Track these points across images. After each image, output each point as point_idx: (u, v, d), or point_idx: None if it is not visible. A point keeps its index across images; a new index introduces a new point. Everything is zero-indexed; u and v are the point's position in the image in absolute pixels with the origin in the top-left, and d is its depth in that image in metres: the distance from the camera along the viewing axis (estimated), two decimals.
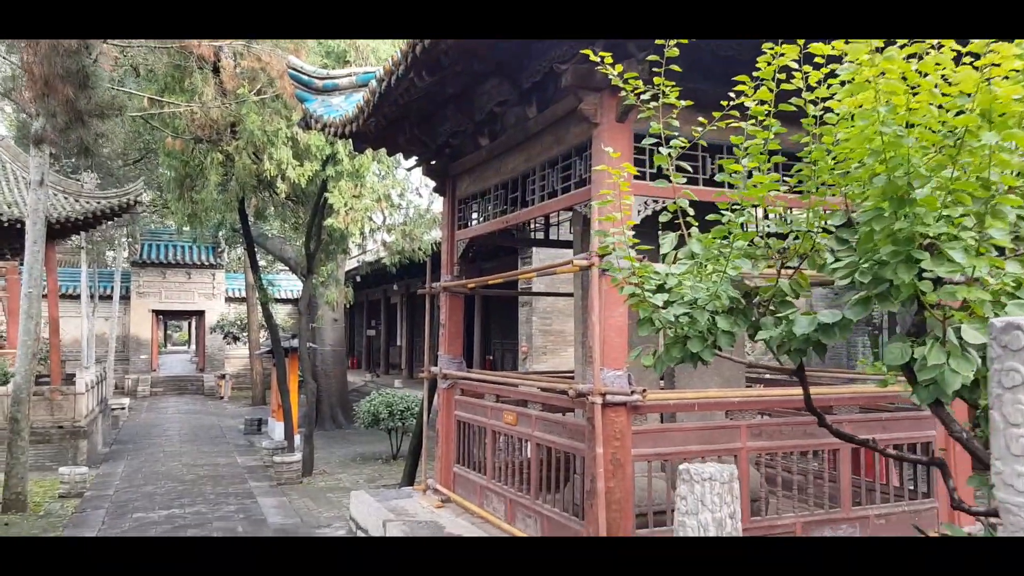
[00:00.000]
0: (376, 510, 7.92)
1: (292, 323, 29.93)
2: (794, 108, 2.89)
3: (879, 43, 2.42)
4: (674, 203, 3.23)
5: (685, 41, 3.14)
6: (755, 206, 3.05)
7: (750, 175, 3.04)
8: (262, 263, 25.79)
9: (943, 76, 2.43)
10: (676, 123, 3.28)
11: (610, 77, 3.39)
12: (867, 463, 6.77)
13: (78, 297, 28.00)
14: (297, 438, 15.08)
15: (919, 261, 2.28)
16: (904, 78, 2.40)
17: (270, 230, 21.07)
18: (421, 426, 10.50)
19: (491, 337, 21.60)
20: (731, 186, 3.22)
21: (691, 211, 3.25)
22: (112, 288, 29.34)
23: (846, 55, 2.53)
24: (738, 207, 3.02)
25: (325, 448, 16.53)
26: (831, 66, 2.71)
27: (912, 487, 6.53)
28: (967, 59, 2.42)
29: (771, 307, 2.99)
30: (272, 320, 16.43)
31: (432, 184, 8.91)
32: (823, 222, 2.86)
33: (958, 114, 2.39)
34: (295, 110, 11.58)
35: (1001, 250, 2.45)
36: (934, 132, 2.39)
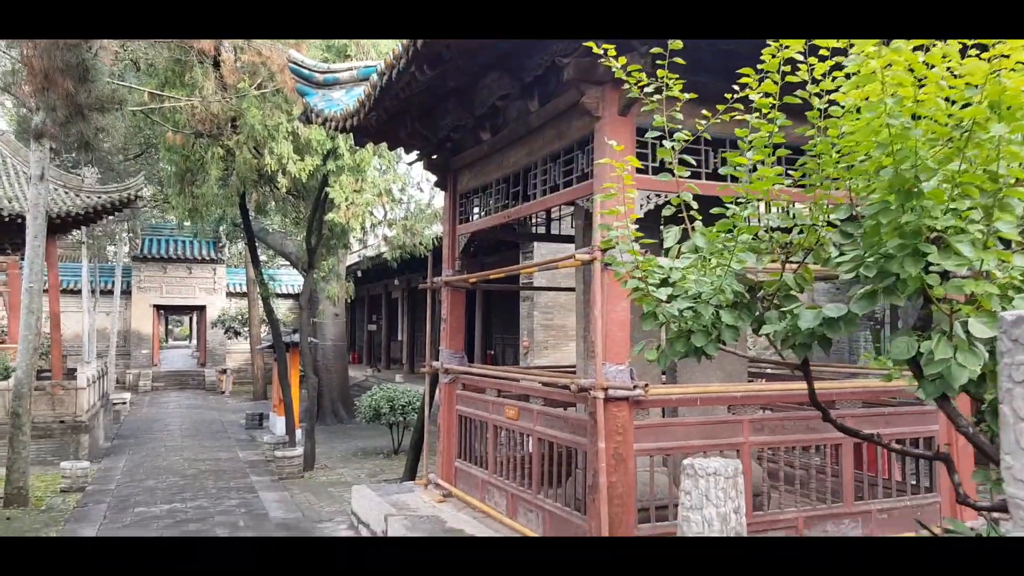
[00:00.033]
0: (378, 504, 7.92)
1: (293, 318, 29.90)
2: (799, 101, 2.87)
3: None
4: (677, 197, 3.21)
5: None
6: (759, 200, 3.03)
7: (754, 169, 3.02)
8: (263, 258, 25.81)
9: (949, 68, 2.41)
10: (680, 116, 3.26)
11: (613, 70, 3.37)
12: (869, 458, 6.77)
13: (79, 292, 27.99)
14: (298, 433, 15.09)
15: (926, 254, 2.26)
16: (911, 70, 2.38)
17: (271, 225, 21.05)
18: (422, 421, 10.49)
19: (492, 332, 21.60)
20: (734, 179, 3.20)
21: (695, 205, 3.23)
22: (113, 283, 29.34)
23: (852, 46, 2.51)
24: (743, 201, 3.00)
25: (326, 443, 16.54)
26: (836, 59, 2.69)
27: (914, 482, 6.51)
28: (973, 51, 2.40)
29: (775, 301, 2.97)
30: (273, 315, 16.42)
31: (433, 179, 8.89)
32: (827, 216, 2.85)
33: (964, 106, 2.36)
34: (296, 104, 11.54)
35: (1008, 243, 2.44)
36: (942, 125, 2.37)
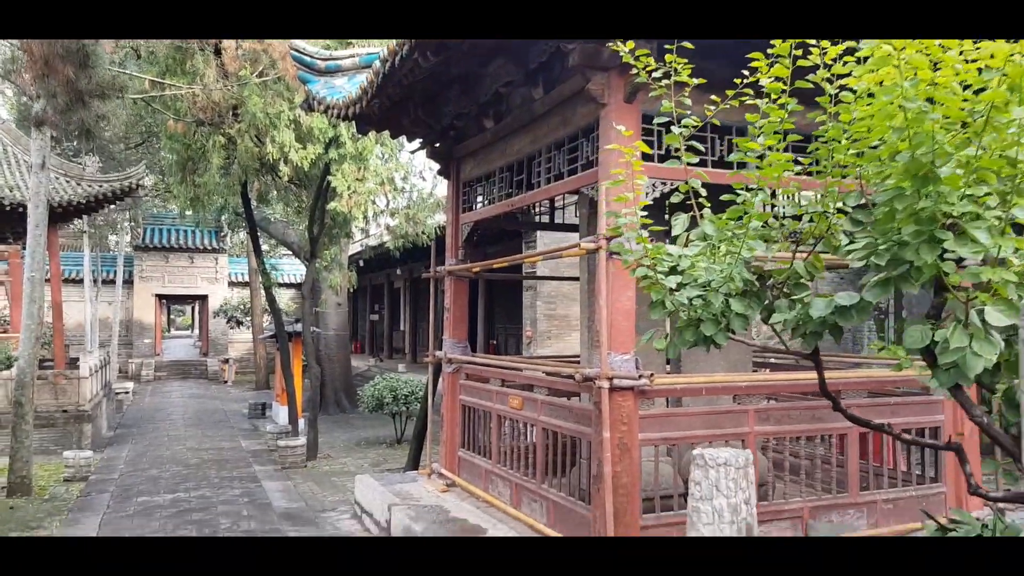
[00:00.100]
0: (381, 494, 7.91)
1: (295, 307, 29.90)
2: (810, 86, 2.82)
3: None
4: (686, 184, 3.17)
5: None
6: (769, 188, 2.99)
7: (763, 156, 2.98)
8: (265, 247, 25.76)
9: (962, 53, 2.37)
10: (688, 102, 3.21)
11: (618, 56, 3.32)
12: (874, 448, 6.74)
13: (81, 281, 27.96)
14: (301, 422, 15.09)
15: (942, 241, 2.22)
16: (927, 53, 2.33)
17: (273, 214, 20.98)
18: (425, 410, 10.48)
19: (495, 321, 21.57)
20: (742, 166, 3.16)
21: (703, 192, 3.18)
22: (115, 272, 29.32)
23: None
24: (754, 187, 2.96)
25: (329, 432, 16.54)
26: (848, 43, 2.64)
27: (920, 472, 6.49)
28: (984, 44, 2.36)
29: (785, 290, 2.93)
30: (275, 304, 16.38)
31: (436, 167, 8.83)
32: (839, 203, 2.80)
33: (979, 91, 2.32)
34: (297, 92, 11.47)
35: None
36: (957, 109, 2.32)
